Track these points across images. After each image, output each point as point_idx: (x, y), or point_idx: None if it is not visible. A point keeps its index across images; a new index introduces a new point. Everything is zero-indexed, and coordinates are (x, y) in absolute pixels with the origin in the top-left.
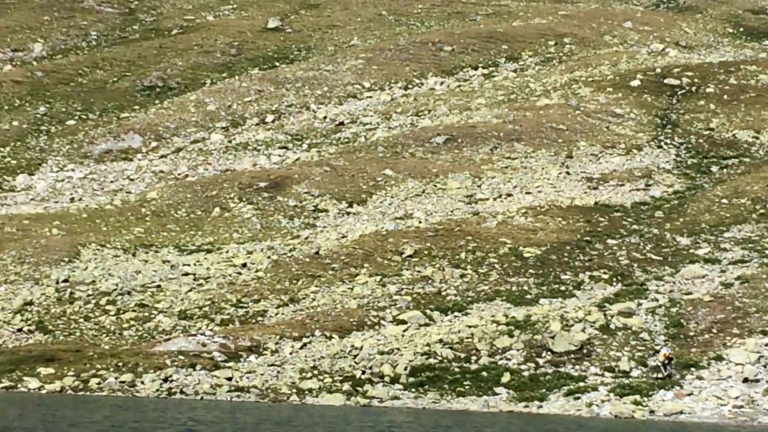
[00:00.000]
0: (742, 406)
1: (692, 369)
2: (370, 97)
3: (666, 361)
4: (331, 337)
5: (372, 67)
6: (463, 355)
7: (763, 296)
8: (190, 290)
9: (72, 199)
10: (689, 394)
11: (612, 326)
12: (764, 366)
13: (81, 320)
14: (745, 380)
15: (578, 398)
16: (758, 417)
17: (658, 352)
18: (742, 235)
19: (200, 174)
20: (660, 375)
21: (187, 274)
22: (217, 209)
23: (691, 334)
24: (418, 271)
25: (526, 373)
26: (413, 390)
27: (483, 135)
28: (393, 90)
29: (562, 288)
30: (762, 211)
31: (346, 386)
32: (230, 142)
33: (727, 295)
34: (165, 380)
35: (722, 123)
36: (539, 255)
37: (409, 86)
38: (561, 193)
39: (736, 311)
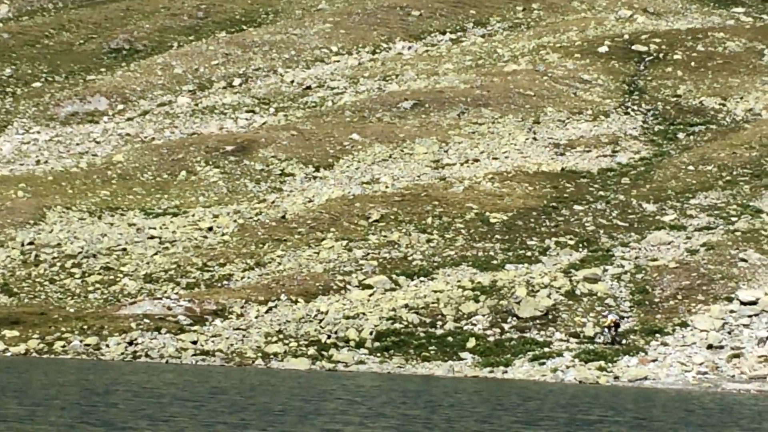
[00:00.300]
0: (706, 373)
1: (657, 335)
2: (338, 61)
3: (612, 326)
4: (296, 302)
5: (339, 31)
6: (428, 320)
7: (728, 263)
8: (155, 254)
9: (38, 162)
10: (654, 361)
11: (577, 292)
12: (728, 332)
13: (46, 283)
14: (710, 347)
15: (543, 364)
16: (722, 383)
17: (605, 317)
18: (708, 202)
19: (167, 137)
20: (607, 341)
21: (152, 237)
22: (183, 173)
23: (656, 300)
24: (385, 236)
25: (491, 339)
26: (378, 354)
27: (450, 100)
28: (360, 54)
29: (528, 254)
30: (728, 178)
31: (312, 350)
32: (197, 105)
33: (693, 262)
34: (130, 343)
35: (689, 90)
36: (505, 220)
37: (377, 51)
38: (528, 158)
39: (701, 278)
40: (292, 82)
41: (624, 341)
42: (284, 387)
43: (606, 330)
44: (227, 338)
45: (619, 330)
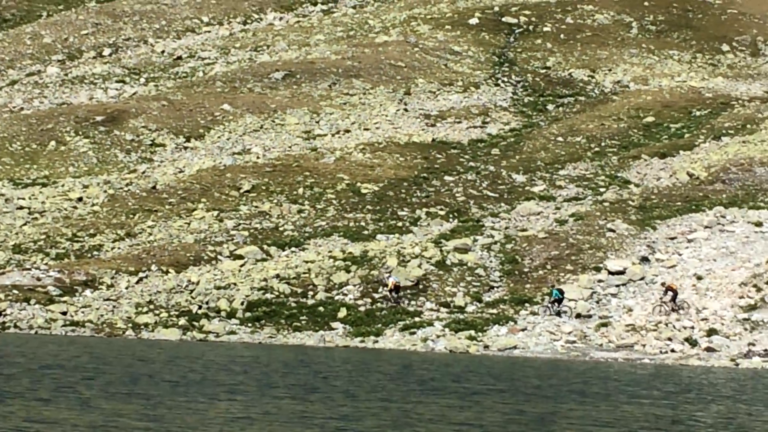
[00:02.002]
0: (574, 342)
1: (526, 305)
2: (209, 31)
3: (393, 289)
4: (167, 272)
5: (210, 1)
6: (299, 291)
7: (597, 233)
8: (24, 224)
9: None
10: (523, 330)
11: (448, 262)
12: (597, 302)
13: None
14: (578, 316)
15: (414, 333)
16: (590, 352)
17: (388, 280)
18: (576, 173)
19: (36, 107)
20: (390, 303)
21: (21, 207)
22: (52, 143)
23: (526, 270)
24: (256, 207)
25: (362, 309)
26: (250, 325)
27: (322, 71)
28: (232, 25)
29: (399, 224)
30: (596, 149)
31: (183, 321)
32: (66, 75)
33: (561, 232)
34: None
35: (558, 62)
36: (377, 191)
37: (248, 21)
38: (399, 129)
39: (570, 248)
40: (163, 52)
41: (402, 303)
42: (150, 357)
43: (388, 293)
44: (97, 309)
45: (400, 293)
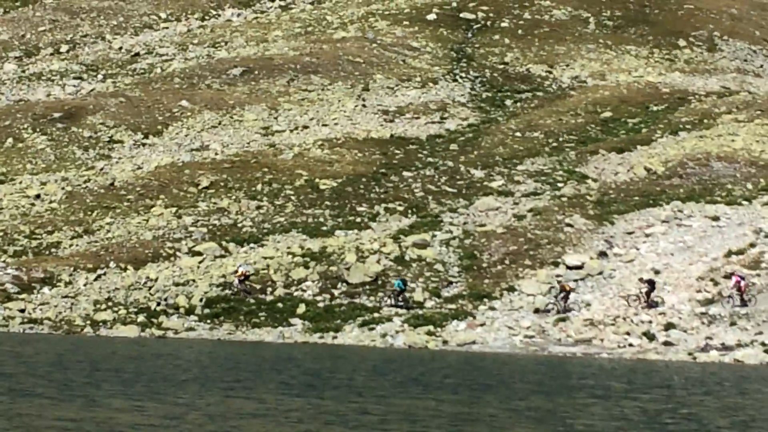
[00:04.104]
0: (533, 336)
1: (485, 300)
2: (167, 28)
3: (243, 278)
4: (126, 269)
5: None
6: (258, 287)
7: (555, 228)
8: None
9: None
10: (482, 325)
11: (407, 258)
12: (555, 296)
13: None
14: (537, 311)
15: (373, 329)
16: (548, 347)
17: (237, 269)
18: (534, 168)
19: None
20: (238, 292)
21: None
22: (10, 140)
23: (485, 265)
24: (214, 203)
25: (321, 305)
26: (209, 321)
27: (280, 67)
28: (189, 21)
29: (358, 220)
30: (554, 144)
31: (141, 318)
32: (24, 72)
33: (520, 227)
34: None
35: (516, 57)
36: (335, 187)
37: (206, 17)
38: (357, 125)
39: (529, 243)
40: (121, 48)
41: (253, 293)
42: (118, 354)
43: (238, 281)
44: (55, 306)
45: (249, 281)
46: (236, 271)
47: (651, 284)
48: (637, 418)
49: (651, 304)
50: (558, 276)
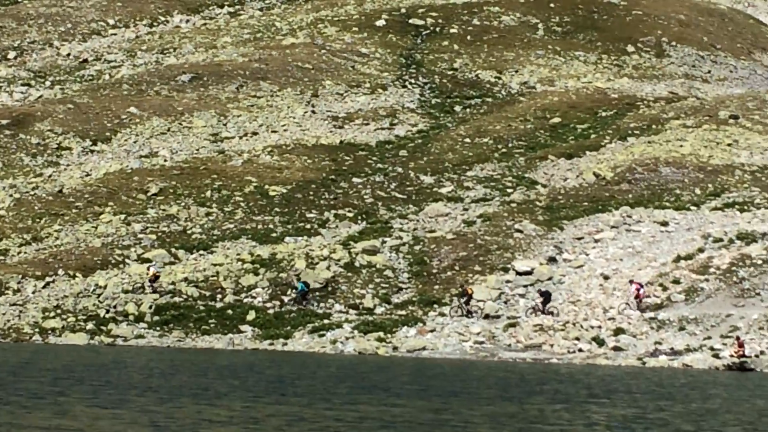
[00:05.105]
0: (483, 342)
1: (435, 306)
2: (115, 34)
3: (154, 279)
4: (74, 276)
5: (116, 3)
6: (208, 294)
7: (504, 234)
8: None
9: None
10: (432, 331)
11: (357, 264)
12: (505, 302)
13: None
14: (487, 316)
15: (323, 335)
16: (498, 352)
17: (149, 270)
18: (484, 174)
19: None
20: (149, 291)
21: None
22: None
23: (435, 271)
24: (164, 210)
25: (271, 311)
26: (158, 328)
27: (229, 73)
28: (138, 27)
29: (308, 226)
30: (504, 150)
31: (90, 325)
32: None
33: (470, 233)
34: None
35: (465, 63)
36: (285, 193)
37: (155, 24)
38: (307, 131)
39: (478, 248)
40: (69, 55)
41: (162, 289)
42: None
43: (149, 281)
44: (4, 314)
45: (159, 281)
46: (148, 273)
47: (546, 296)
48: (606, 422)
49: (546, 314)
50: (508, 281)
